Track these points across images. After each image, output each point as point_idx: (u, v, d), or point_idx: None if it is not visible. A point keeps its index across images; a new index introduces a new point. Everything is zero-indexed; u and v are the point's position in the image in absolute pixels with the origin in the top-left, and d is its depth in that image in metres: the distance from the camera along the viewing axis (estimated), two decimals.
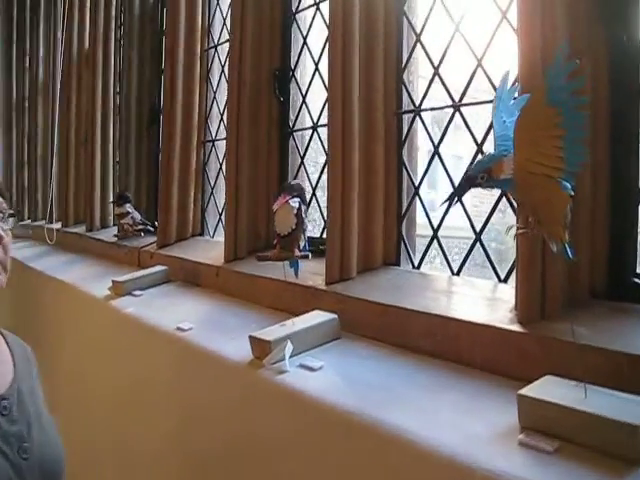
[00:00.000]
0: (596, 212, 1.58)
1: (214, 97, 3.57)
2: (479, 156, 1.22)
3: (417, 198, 2.21)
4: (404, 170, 2.23)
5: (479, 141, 1.92)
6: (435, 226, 2.13)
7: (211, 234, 3.56)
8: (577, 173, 1.15)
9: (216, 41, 3.56)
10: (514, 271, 1.74)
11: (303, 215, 1.89)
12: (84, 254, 4.43)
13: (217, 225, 3.52)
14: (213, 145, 3.57)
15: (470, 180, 1.22)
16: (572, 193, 1.16)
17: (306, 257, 1.93)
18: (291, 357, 1.81)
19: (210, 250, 3.15)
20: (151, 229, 3.91)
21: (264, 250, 2.61)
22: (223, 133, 3.38)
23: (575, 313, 1.48)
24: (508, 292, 1.76)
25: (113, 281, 3.11)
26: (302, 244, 1.93)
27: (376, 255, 2.23)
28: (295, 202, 1.87)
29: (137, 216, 3.97)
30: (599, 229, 1.58)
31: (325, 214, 2.33)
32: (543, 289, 1.55)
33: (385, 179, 2.23)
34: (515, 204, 1.65)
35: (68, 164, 5.21)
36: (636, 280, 1.55)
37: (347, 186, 2.16)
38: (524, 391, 1.27)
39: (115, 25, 4.72)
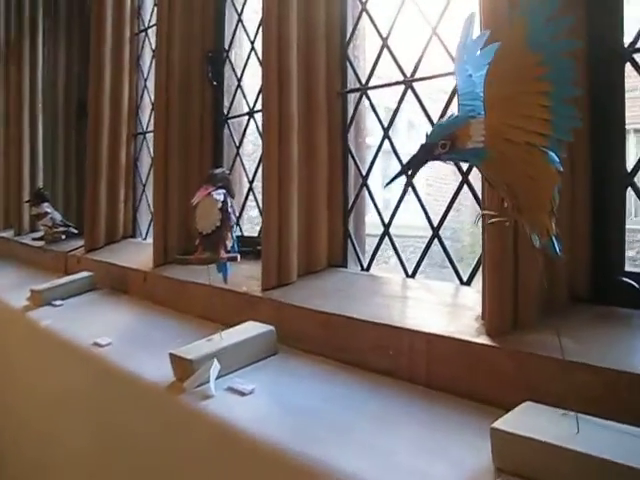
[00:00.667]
0: (576, 200, 1.34)
1: (145, 85, 3.28)
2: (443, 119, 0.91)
3: (365, 190, 1.94)
4: (350, 158, 1.96)
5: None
6: (387, 221, 1.85)
7: (143, 235, 3.25)
8: (567, 142, 0.87)
9: (147, 23, 3.26)
10: (479, 271, 1.49)
11: (229, 209, 1.60)
12: (11, 260, 4.06)
13: (150, 225, 3.19)
14: (144, 138, 3.27)
15: (428, 150, 0.91)
16: (561, 169, 0.89)
17: (234, 259, 1.64)
18: (218, 378, 1.54)
19: (140, 253, 2.87)
20: (74, 231, 3.56)
21: None
22: None
23: (554, 321, 1.22)
24: (472, 297, 1.52)
25: (31, 290, 2.78)
26: (230, 244, 1.64)
27: (319, 256, 1.96)
28: (219, 194, 1.59)
29: (57, 217, 3.61)
30: (580, 220, 1.34)
31: None
32: (515, 293, 1.30)
33: (329, 169, 1.96)
34: (487, 184, 1.34)
35: None
36: (625, 279, 1.30)
37: (285, 177, 1.88)
38: (499, 424, 1.00)
39: (42, 13, 4.35)
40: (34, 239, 3.78)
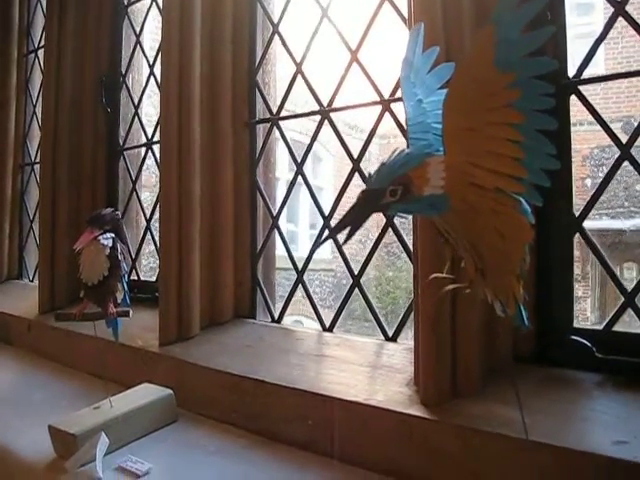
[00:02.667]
0: None
1: (34, 111, 2.99)
2: (388, 157, 0.67)
3: (276, 231, 1.75)
4: (259, 195, 1.78)
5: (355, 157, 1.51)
6: (300, 267, 1.67)
7: (30, 277, 2.95)
8: (543, 188, 0.69)
9: (37, 43, 2.99)
10: (405, 326, 1.32)
11: (119, 257, 1.36)
12: None
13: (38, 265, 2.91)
14: (32, 169, 2.99)
15: (372, 198, 0.69)
16: (533, 221, 0.72)
17: (125, 314, 1.41)
18: (108, 454, 1.31)
19: (26, 297, 2.58)
20: None
21: None
22: None
23: (498, 387, 1.07)
24: (399, 355, 1.35)
25: None
26: (121, 296, 1.41)
27: (225, 305, 1.79)
28: (107, 239, 1.36)
29: None
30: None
31: None
32: (454, 355, 1.13)
33: (235, 207, 1.80)
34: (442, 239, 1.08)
35: None
36: (574, 338, 1.14)
37: (185, 218, 1.70)
38: None
39: None
40: None
